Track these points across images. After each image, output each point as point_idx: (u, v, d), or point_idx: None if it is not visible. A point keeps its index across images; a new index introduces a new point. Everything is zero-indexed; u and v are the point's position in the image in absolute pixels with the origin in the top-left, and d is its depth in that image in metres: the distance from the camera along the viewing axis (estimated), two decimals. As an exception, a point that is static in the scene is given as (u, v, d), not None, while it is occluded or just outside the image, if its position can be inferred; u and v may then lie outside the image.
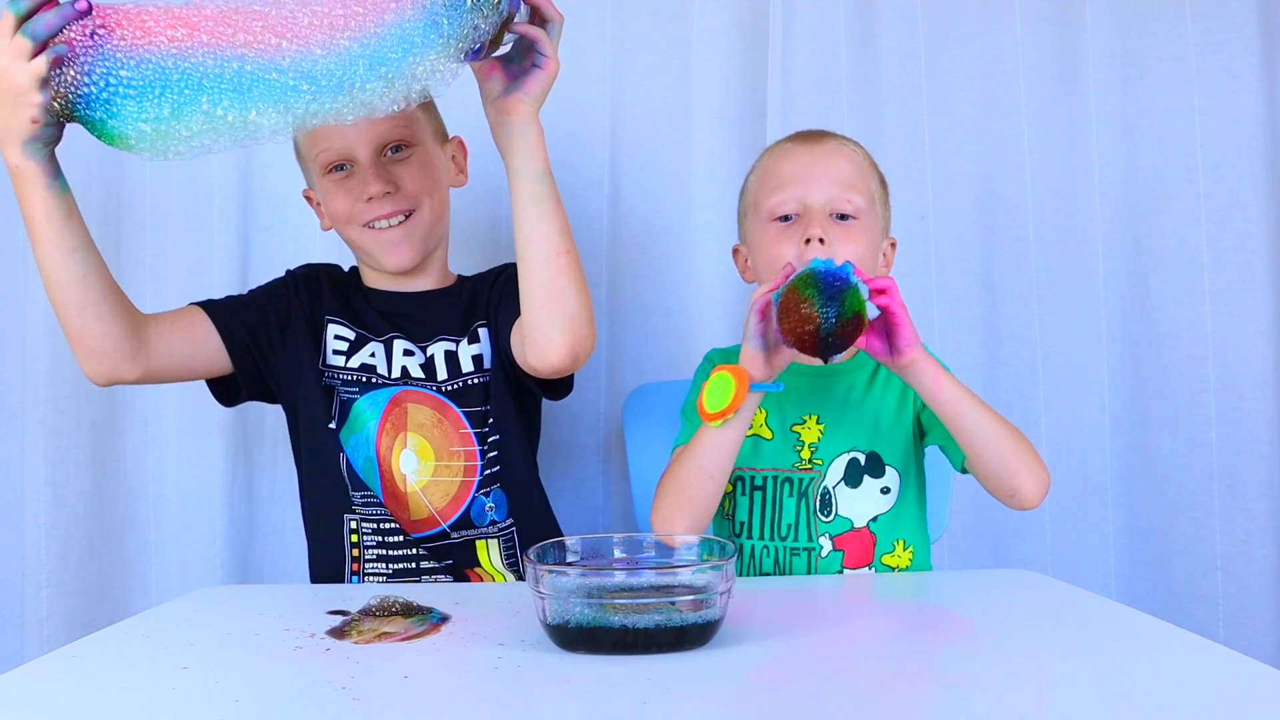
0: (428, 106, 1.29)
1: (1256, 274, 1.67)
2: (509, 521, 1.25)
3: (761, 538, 1.21)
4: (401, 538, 1.22)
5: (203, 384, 1.28)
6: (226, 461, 1.61)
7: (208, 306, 1.24)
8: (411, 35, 0.88)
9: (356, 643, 0.82)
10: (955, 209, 1.72)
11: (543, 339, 1.09)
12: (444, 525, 1.21)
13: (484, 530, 1.23)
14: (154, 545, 1.63)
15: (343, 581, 1.23)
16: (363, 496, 1.23)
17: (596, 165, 1.69)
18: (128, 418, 1.62)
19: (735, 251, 1.33)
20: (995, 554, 1.71)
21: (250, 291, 1.31)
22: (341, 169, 1.22)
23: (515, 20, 0.96)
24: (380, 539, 1.23)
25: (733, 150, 1.67)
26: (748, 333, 1.09)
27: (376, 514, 1.23)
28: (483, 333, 1.25)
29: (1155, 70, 1.71)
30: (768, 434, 1.24)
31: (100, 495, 1.60)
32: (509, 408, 1.24)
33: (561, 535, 1.28)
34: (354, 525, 1.23)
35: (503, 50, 1.00)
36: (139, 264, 1.63)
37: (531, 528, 1.26)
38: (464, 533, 1.22)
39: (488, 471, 1.23)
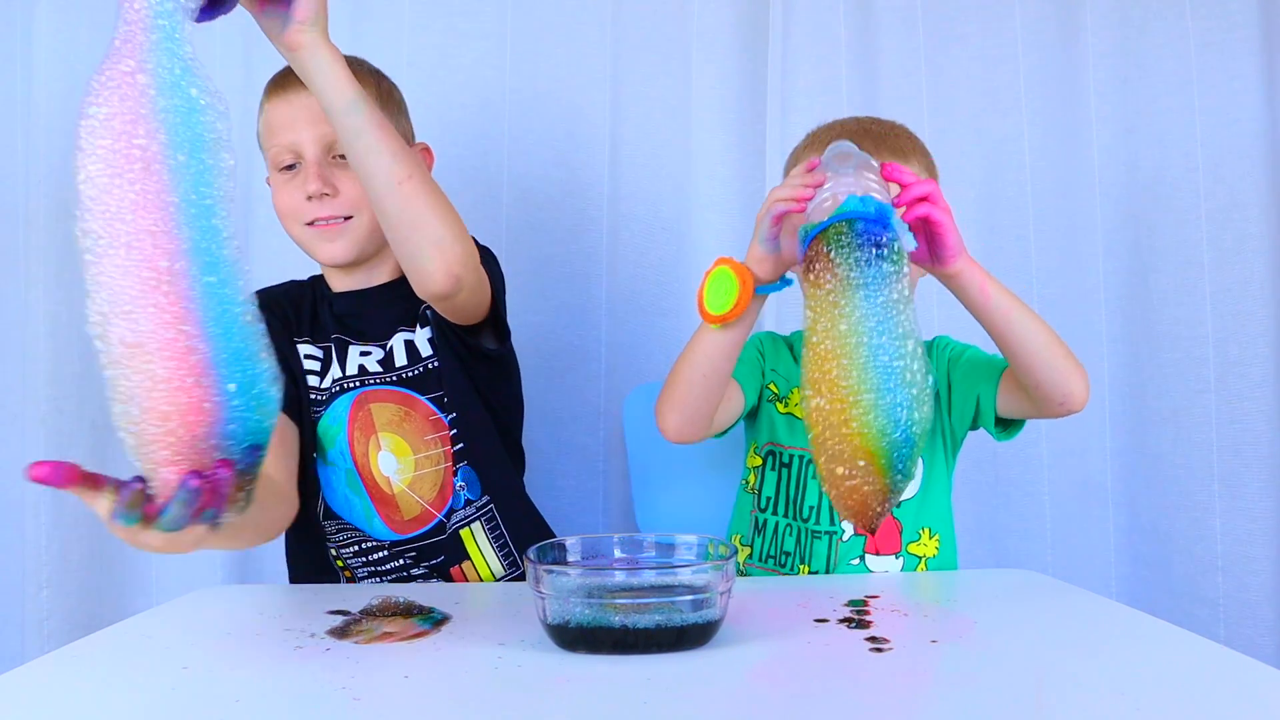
0: (393, 108, 1.24)
1: (1256, 274, 1.67)
2: (485, 500, 1.22)
3: (785, 516, 1.21)
4: (386, 552, 1.20)
5: None
6: (226, 461, 1.61)
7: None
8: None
9: (357, 643, 0.82)
10: (955, 208, 1.69)
11: (417, 271, 1.03)
12: (440, 516, 1.20)
13: (466, 514, 1.21)
14: (154, 545, 1.63)
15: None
16: (334, 525, 1.21)
17: (596, 165, 1.69)
18: (128, 418, 1.62)
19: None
20: (995, 554, 1.71)
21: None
22: (292, 167, 1.19)
23: None
24: (364, 558, 1.21)
25: (732, 151, 1.67)
26: (760, 233, 1.01)
27: (355, 536, 1.21)
28: (430, 313, 1.21)
29: (1155, 70, 1.71)
30: (801, 415, 1.23)
31: (100, 495, 1.60)
32: (459, 379, 1.20)
33: (536, 512, 1.28)
34: (334, 553, 1.22)
35: None
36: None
37: (509, 507, 1.23)
38: (454, 520, 1.21)
39: (457, 447, 1.21)
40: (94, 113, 0.67)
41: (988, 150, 1.72)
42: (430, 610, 0.91)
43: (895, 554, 1.19)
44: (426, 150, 1.30)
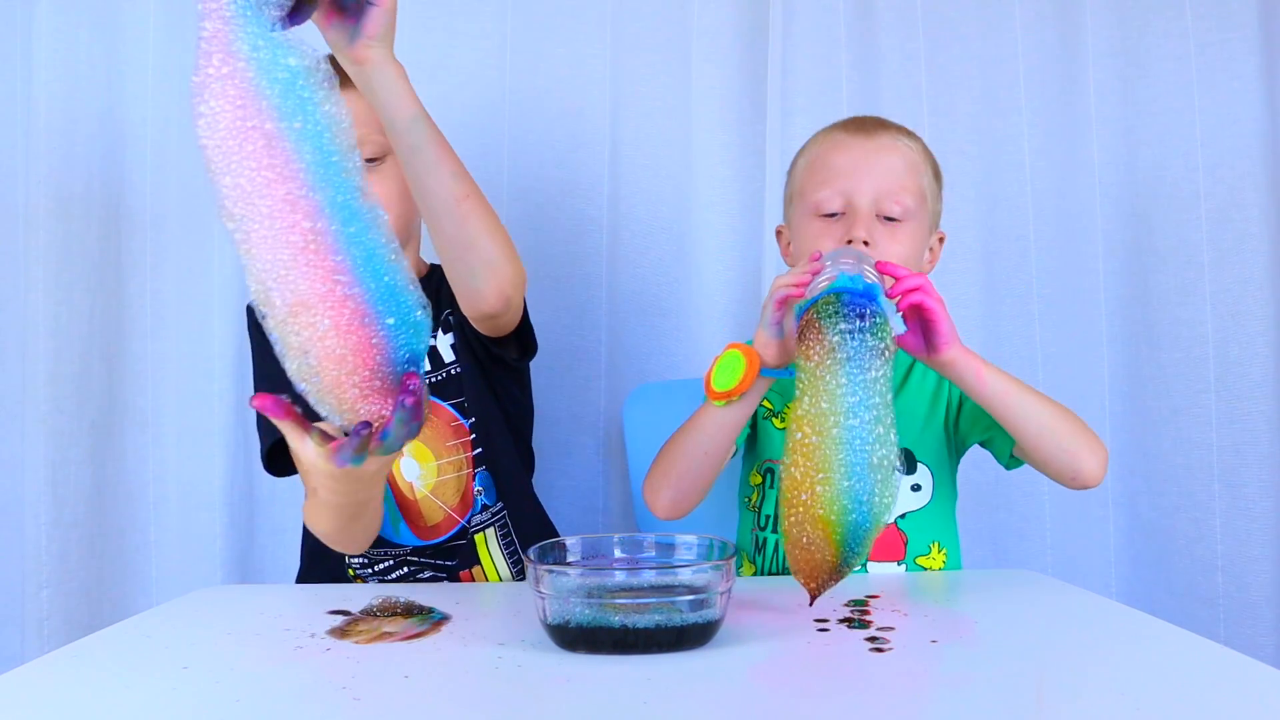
0: None
1: (1256, 274, 1.67)
2: (499, 505, 1.22)
3: (781, 533, 1.20)
4: (392, 561, 1.20)
5: (203, 384, 1.27)
6: (226, 462, 1.61)
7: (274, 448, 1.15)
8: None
9: (357, 642, 0.82)
10: (955, 209, 1.72)
11: (469, 291, 1.03)
12: (463, 522, 1.19)
13: (482, 519, 1.21)
14: (154, 545, 1.63)
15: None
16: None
17: (596, 165, 1.69)
18: (128, 418, 1.62)
19: (779, 233, 1.29)
20: (996, 554, 1.71)
21: (253, 348, 1.23)
22: None
23: None
24: (371, 569, 1.20)
25: (732, 150, 1.67)
26: (764, 318, 1.05)
27: (370, 550, 1.19)
28: (453, 318, 1.20)
29: (1155, 70, 1.71)
30: None
31: (100, 495, 1.60)
32: (479, 383, 1.20)
33: (545, 515, 1.28)
34: (347, 559, 1.22)
35: None
36: (139, 264, 1.63)
37: (519, 511, 1.23)
38: (473, 525, 1.20)
39: (475, 453, 1.20)
40: (204, 111, 0.71)
41: (988, 150, 1.72)
42: (430, 610, 0.91)
43: (898, 562, 1.19)
44: None
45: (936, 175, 1.23)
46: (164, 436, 1.63)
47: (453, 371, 1.21)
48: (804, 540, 0.85)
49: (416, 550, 1.20)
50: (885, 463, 0.85)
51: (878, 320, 0.89)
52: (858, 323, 0.88)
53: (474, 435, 1.20)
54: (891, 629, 0.84)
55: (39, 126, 1.58)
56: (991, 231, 1.72)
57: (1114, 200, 1.72)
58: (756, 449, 1.27)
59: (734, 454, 1.21)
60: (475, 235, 1.00)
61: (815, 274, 0.98)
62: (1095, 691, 0.68)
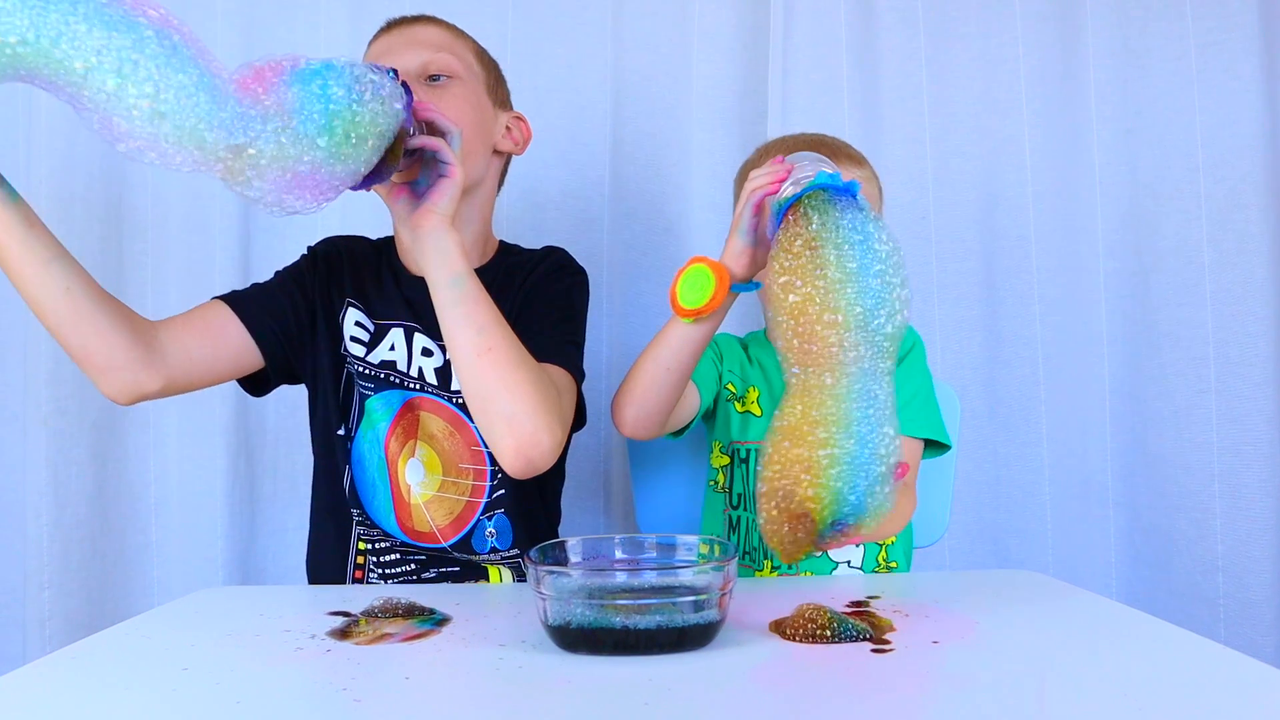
0: (488, 65, 1.24)
1: (1257, 274, 1.68)
2: (514, 552, 1.19)
3: (750, 510, 1.22)
4: (398, 555, 1.18)
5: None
6: (228, 462, 1.61)
7: (231, 300, 1.17)
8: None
9: (357, 644, 0.82)
10: (956, 209, 1.72)
11: (491, 445, 1.03)
12: (444, 544, 1.18)
13: (485, 557, 1.18)
14: (155, 546, 1.63)
15: (342, 578, 1.21)
16: (359, 515, 1.19)
17: (597, 166, 1.69)
18: (129, 419, 1.62)
19: None
20: (996, 554, 1.71)
21: (276, 274, 1.24)
22: None
23: (410, 136, 0.95)
24: (377, 558, 1.19)
25: (733, 151, 1.67)
26: (740, 225, 1.02)
27: (373, 534, 1.19)
28: None
29: (1156, 70, 1.71)
30: (758, 411, 1.24)
31: (102, 496, 1.60)
32: None
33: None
34: (360, 533, 1.20)
35: (400, 168, 0.97)
36: (140, 264, 1.63)
37: None
38: (463, 555, 1.18)
39: (496, 494, 1.18)
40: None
41: (988, 150, 1.72)
42: (431, 611, 0.91)
43: (856, 543, 1.20)
44: (522, 119, 1.27)
45: (880, 192, 1.28)
46: (165, 437, 1.63)
47: None
48: (779, 514, 0.82)
49: (404, 545, 1.18)
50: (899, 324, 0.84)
51: (866, 207, 0.89)
52: (857, 212, 0.87)
53: (498, 477, 1.17)
54: (893, 630, 0.84)
55: (40, 126, 1.58)
56: (992, 231, 1.72)
57: (1114, 200, 1.72)
58: (716, 430, 1.29)
59: (699, 416, 1.22)
60: (496, 388, 1.00)
61: (783, 179, 0.96)
62: (1096, 692, 0.68)
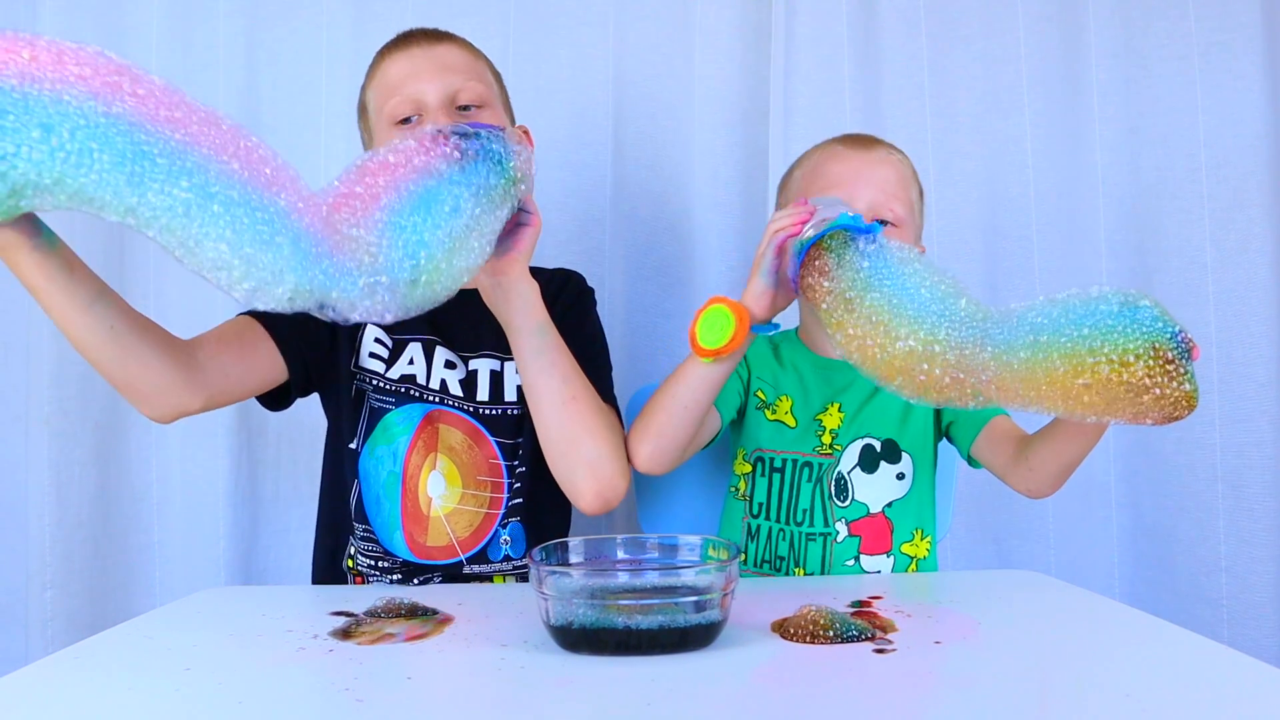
0: (500, 81, 1.25)
1: (1260, 275, 1.67)
2: (525, 561, 1.19)
3: (778, 520, 1.21)
4: (399, 576, 1.17)
5: None
6: (230, 463, 1.61)
7: (261, 317, 1.15)
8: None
9: (360, 644, 0.82)
10: (958, 209, 1.72)
11: (569, 487, 1.09)
12: (462, 556, 1.17)
13: (498, 566, 1.18)
14: (158, 546, 1.63)
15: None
16: (363, 530, 1.18)
17: (599, 166, 1.69)
18: (131, 419, 1.62)
19: None
20: (998, 554, 1.71)
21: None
22: (408, 121, 1.14)
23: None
24: (378, 575, 1.18)
25: (735, 151, 1.67)
26: (761, 267, 1.04)
27: (374, 550, 1.18)
28: None
29: (1158, 70, 1.71)
30: (791, 423, 1.24)
31: (104, 496, 1.60)
32: (538, 445, 1.14)
33: None
34: (351, 552, 1.20)
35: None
36: (140, 265, 1.63)
37: None
38: (477, 568, 1.18)
39: (512, 503, 1.19)
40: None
41: (990, 151, 1.72)
42: (433, 611, 0.91)
43: (887, 553, 1.20)
44: (525, 132, 1.25)
45: (920, 193, 1.26)
46: (167, 438, 1.63)
47: (510, 413, 1.20)
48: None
49: (409, 565, 1.17)
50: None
51: (887, 245, 0.95)
52: (873, 246, 0.94)
53: (516, 485, 1.19)
54: (895, 630, 0.84)
55: (42, 128, 1.58)
56: (994, 232, 1.72)
57: (1117, 201, 1.72)
58: (744, 437, 1.27)
59: (718, 437, 1.22)
60: (578, 434, 1.06)
61: (805, 220, 1.00)
62: (1099, 692, 0.68)
